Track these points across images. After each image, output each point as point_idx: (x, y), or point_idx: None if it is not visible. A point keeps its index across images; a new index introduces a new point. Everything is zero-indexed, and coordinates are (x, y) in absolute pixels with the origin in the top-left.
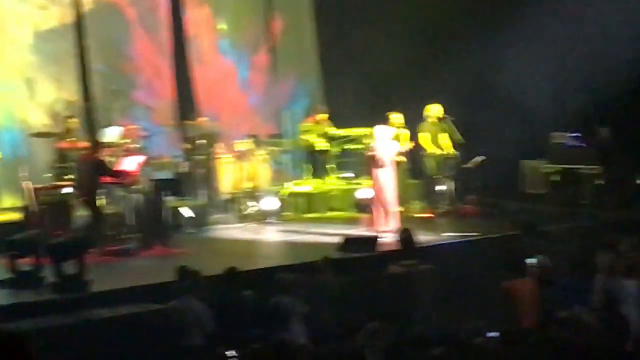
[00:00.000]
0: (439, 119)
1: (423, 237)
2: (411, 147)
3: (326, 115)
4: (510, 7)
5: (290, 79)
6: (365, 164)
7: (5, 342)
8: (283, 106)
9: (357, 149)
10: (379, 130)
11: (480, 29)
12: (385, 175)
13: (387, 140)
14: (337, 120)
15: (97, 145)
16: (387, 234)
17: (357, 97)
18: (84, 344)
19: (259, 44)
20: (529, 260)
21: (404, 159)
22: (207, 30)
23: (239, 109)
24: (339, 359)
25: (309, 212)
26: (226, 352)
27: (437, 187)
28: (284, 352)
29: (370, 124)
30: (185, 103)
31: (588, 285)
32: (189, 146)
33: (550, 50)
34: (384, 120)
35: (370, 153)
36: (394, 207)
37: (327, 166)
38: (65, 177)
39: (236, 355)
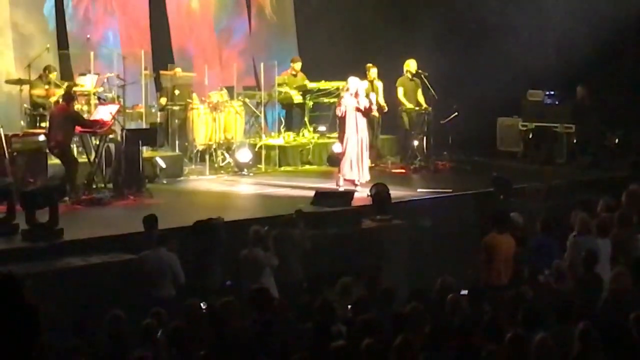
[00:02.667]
0: (414, 74)
1: (397, 192)
2: (384, 107)
3: (299, 66)
4: None
5: (266, 31)
6: (334, 116)
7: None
8: (259, 58)
9: (332, 102)
10: (352, 81)
11: None
12: (354, 127)
13: (360, 92)
14: (312, 73)
15: (71, 93)
16: (356, 185)
17: (331, 49)
18: (55, 292)
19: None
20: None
21: (376, 113)
22: None
23: (214, 59)
24: (310, 312)
25: (283, 165)
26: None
27: (412, 143)
28: (257, 304)
29: (345, 77)
30: (161, 52)
31: (562, 244)
32: (163, 96)
33: (528, 9)
34: (359, 73)
35: (339, 105)
36: (363, 159)
37: (301, 119)
38: (39, 125)
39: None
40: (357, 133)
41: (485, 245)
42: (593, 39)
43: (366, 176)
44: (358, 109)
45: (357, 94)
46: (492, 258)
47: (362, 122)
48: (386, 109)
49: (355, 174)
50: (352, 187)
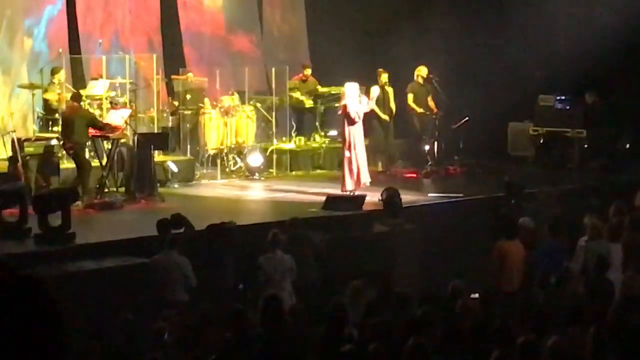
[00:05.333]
0: (425, 80)
1: (408, 197)
2: (394, 110)
3: (309, 71)
4: None
5: (278, 35)
6: (339, 121)
7: (25, 285)
8: (270, 63)
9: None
10: (349, 87)
11: None
12: (355, 132)
13: (357, 96)
14: (323, 78)
15: (80, 94)
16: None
17: (343, 55)
18: (67, 296)
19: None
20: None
21: (387, 117)
22: None
23: (226, 64)
24: (322, 315)
25: (294, 169)
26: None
27: (423, 147)
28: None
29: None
30: (173, 57)
31: (572, 249)
32: (175, 101)
33: (540, 14)
34: (371, 78)
35: (340, 110)
36: (365, 164)
37: (312, 124)
38: (52, 129)
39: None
40: (356, 136)
41: (495, 252)
42: (603, 43)
43: (367, 179)
44: (355, 112)
45: (354, 98)
46: (502, 264)
47: (360, 125)
48: (394, 112)
49: (367, 176)
50: (346, 193)
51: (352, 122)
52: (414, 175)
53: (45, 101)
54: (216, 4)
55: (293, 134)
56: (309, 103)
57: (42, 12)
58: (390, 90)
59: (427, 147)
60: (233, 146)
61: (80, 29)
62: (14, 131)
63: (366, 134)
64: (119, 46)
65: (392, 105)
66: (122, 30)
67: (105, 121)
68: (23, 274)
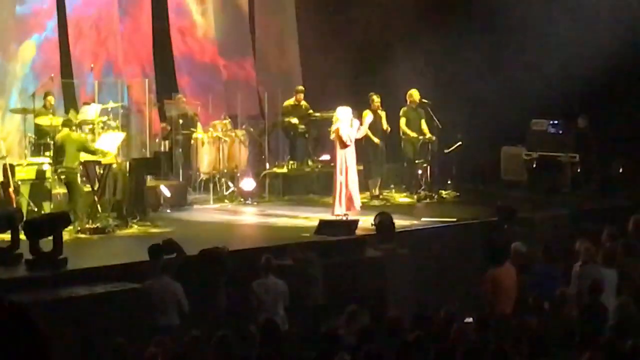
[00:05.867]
0: (417, 104)
1: (401, 221)
2: (388, 130)
3: (302, 96)
4: None
5: (271, 60)
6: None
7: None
8: (263, 87)
9: None
10: (341, 111)
11: (460, 14)
12: (347, 156)
13: (349, 121)
14: (316, 102)
15: (70, 120)
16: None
17: (335, 79)
18: (59, 322)
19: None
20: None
21: (379, 142)
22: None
23: (218, 88)
24: (316, 339)
25: (287, 194)
26: None
27: (416, 172)
28: (267, 333)
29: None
30: (165, 82)
31: (564, 274)
32: (167, 125)
33: (532, 38)
34: (363, 102)
35: (333, 135)
36: (357, 189)
37: (305, 149)
38: (44, 153)
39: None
40: (347, 160)
41: (487, 279)
42: (597, 68)
43: (357, 204)
44: (347, 137)
45: (345, 122)
46: (495, 290)
47: (352, 149)
48: (389, 130)
49: (359, 201)
50: (336, 217)
51: (344, 146)
52: (407, 199)
53: (37, 126)
54: (209, 31)
55: (286, 159)
56: (301, 127)
57: (32, 37)
58: (382, 114)
59: (420, 172)
60: (225, 171)
61: (72, 54)
62: (6, 156)
63: (358, 158)
64: (111, 71)
65: (386, 126)
66: (114, 55)
67: (97, 146)
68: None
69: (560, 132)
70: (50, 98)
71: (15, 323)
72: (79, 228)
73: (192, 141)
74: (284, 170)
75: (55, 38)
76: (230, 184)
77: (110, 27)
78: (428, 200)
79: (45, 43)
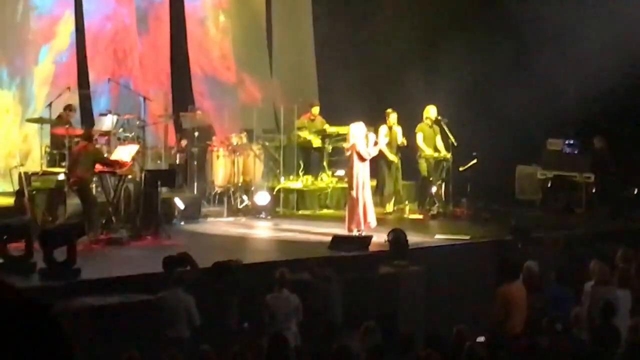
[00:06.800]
0: (434, 121)
1: (414, 238)
2: (404, 144)
3: (317, 110)
4: (509, 12)
5: (287, 75)
6: (346, 160)
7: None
8: (279, 102)
9: None
10: (355, 127)
11: (479, 31)
12: (362, 172)
13: (363, 137)
14: (331, 117)
15: (91, 133)
16: (363, 232)
17: (351, 95)
18: (71, 332)
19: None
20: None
21: (395, 159)
22: (203, 25)
23: (234, 102)
24: (327, 356)
25: (301, 208)
26: None
27: (430, 189)
28: (275, 348)
29: (364, 122)
30: (181, 94)
31: (577, 295)
32: (183, 138)
33: (548, 57)
34: (379, 118)
35: (348, 150)
36: (371, 205)
37: (320, 163)
38: (59, 164)
39: None
40: (362, 176)
41: (499, 296)
42: (613, 88)
43: (373, 220)
44: (363, 153)
45: (360, 138)
46: (506, 309)
47: (366, 165)
48: (406, 144)
49: (373, 217)
50: (352, 233)
51: (362, 160)
52: (421, 216)
53: (53, 136)
54: (227, 47)
55: (300, 173)
56: (316, 142)
57: (49, 47)
58: (398, 130)
59: (434, 189)
60: (240, 184)
61: (89, 65)
62: (22, 165)
63: (372, 173)
64: (128, 83)
65: (402, 139)
66: (132, 68)
67: (112, 157)
68: (56, 310)
69: (576, 152)
70: (71, 114)
71: (50, 331)
72: (93, 238)
73: (208, 154)
74: (299, 185)
75: (73, 49)
76: (244, 197)
77: (127, 44)
78: (442, 217)
79: (63, 52)
